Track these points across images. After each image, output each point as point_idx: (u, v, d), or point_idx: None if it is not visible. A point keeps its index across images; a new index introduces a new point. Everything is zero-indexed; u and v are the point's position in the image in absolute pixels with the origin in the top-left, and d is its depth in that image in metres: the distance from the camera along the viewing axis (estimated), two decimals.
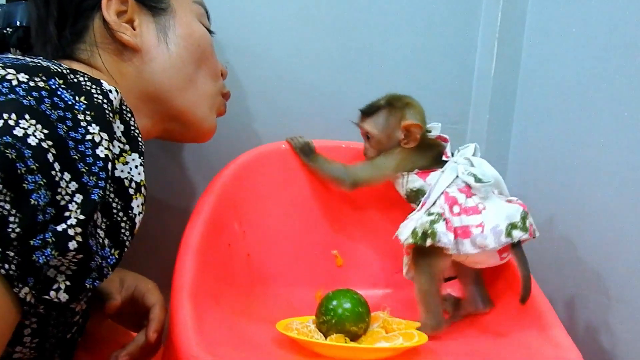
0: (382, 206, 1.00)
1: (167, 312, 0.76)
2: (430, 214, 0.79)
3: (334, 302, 0.74)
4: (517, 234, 0.76)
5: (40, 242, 0.50)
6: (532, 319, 0.79)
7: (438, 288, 0.81)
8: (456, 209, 0.79)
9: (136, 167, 0.66)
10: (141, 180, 0.66)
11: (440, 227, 0.77)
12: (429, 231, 0.77)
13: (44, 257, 0.51)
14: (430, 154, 0.88)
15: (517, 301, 0.79)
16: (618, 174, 0.88)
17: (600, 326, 0.90)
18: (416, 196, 0.85)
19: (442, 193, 0.81)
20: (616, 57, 0.90)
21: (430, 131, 0.91)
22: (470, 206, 0.79)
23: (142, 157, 0.67)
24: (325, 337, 0.73)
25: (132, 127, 0.67)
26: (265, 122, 1.09)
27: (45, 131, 0.53)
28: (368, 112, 0.91)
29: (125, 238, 0.64)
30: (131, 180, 0.64)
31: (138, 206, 0.65)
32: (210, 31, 0.86)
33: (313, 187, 0.99)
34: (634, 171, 0.85)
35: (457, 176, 0.82)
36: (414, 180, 0.86)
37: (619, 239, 0.88)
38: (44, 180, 0.51)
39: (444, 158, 0.87)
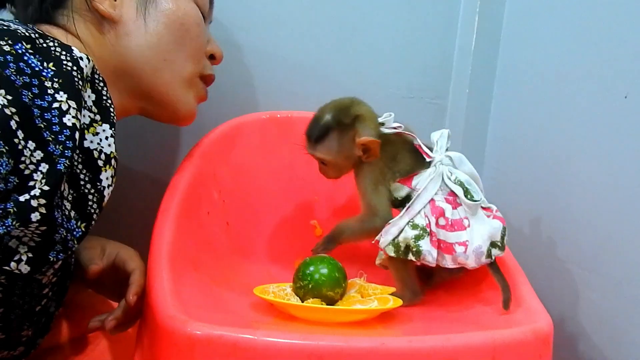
0: None
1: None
2: (414, 227, 0.76)
3: (311, 268, 0.75)
4: (496, 253, 0.78)
5: (1, 211, 0.50)
6: None
7: (413, 266, 0.81)
8: (442, 221, 0.77)
9: (107, 138, 0.64)
10: (111, 152, 0.64)
11: (424, 244, 0.76)
12: (414, 249, 0.76)
13: (4, 227, 0.50)
14: (408, 155, 0.83)
15: (490, 268, 0.81)
16: (594, 147, 0.90)
17: (574, 296, 0.93)
18: (402, 203, 0.80)
19: (429, 202, 0.78)
20: (597, 32, 0.91)
21: (383, 124, 0.85)
22: (456, 219, 0.77)
23: (113, 129, 0.65)
24: (302, 302, 0.74)
25: (105, 97, 0.65)
26: (246, 92, 1.09)
27: (9, 97, 0.52)
28: (317, 137, 0.82)
29: (92, 211, 0.62)
30: (100, 151, 0.63)
31: (107, 178, 0.64)
32: (204, 17, 0.83)
33: (293, 158, 0.99)
34: (609, 144, 0.87)
35: (443, 180, 0.79)
36: (398, 189, 0.82)
37: (593, 211, 0.90)
38: (6, 148, 0.50)
39: (427, 160, 0.82)
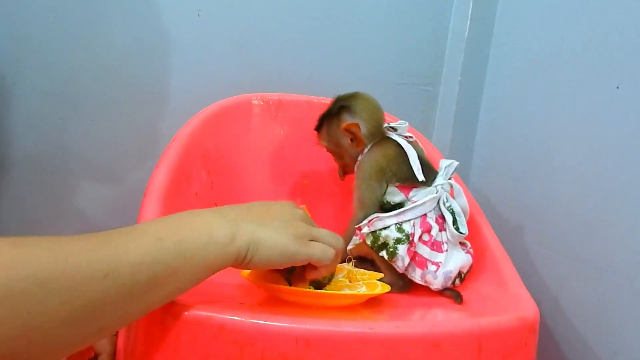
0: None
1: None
2: (400, 230, 0.79)
3: None
4: (457, 283, 0.81)
5: None
6: (491, 274, 0.81)
7: None
8: (426, 237, 0.79)
9: None
10: None
11: (402, 250, 0.78)
12: (390, 249, 0.78)
13: None
14: (408, 163, 0.83)
15: (479, 256, 0.81)
16: (583, 138, 0.90)
17: (559, 284, 0.93)
18: (393, 209, 0.81)
19: (421, 216, 0.80)
20: (588, 22, 0.91)
21: (396, 129, 0.86)
22: (438, 241, 0.80)
23: None
24: (290, 286, 0.73)
25: None
26: (236, 74, 1.08)
27: None
28: (316, 127, 0.90)
29: None
30: None
31: None
32: None
33: (282, 141, 0.98)
34: (599, 134, 0.87)
35: (438, 203, 0.81)
36: (394, 194, 0.83)
37: (579, 201, 0.90)
38: None
39: (437, 177, 0.83)
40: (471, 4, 1.14)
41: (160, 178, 0.78)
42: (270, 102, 1.00)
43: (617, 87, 0.83)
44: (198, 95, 1.02)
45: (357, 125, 0.84)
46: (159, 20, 1.04)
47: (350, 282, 0.77)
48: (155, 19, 1.04)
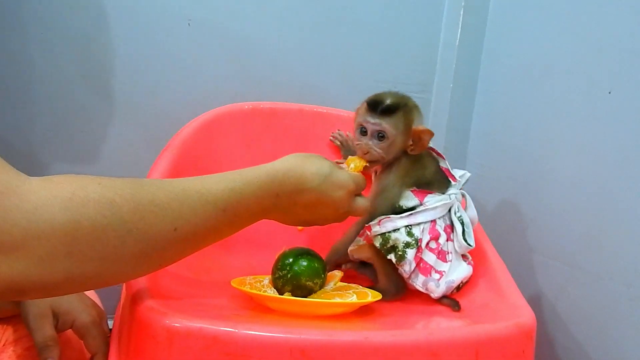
0: None
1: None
2: (410, 235, 0.78)
3: (290, 258, 0.74)
4: (454, 291, 0.80)
5: None
6: (488, 282, 0.80)
7: None
8: (433, 244, 0.79)
9: None
10: None
11: (410, 254, 0.77)
12: (399, 252, 0.77)
13: None
14: (429, 171, 0.84)
15: (476, 263, 0.81)
16: (576, 144, 0.90)
17: (556, 291, 0.93)
18: (404, 211, 0.81)
19: (431, 221, 0.80)
20: (579, 29, 0.91)
21: None
22: (444, 250, 0.80)
23: None
24: (281, 294, 0.72)
25: None
26: (229, 82, 1.07)
27: None
28: (387, 109, 0.80)
29: None
30: None
31: None
32: None
33: (275, 149, 0.97)
34: (592, 140, 0.87)
35: (449, 211, 0.82)
36: (408, 198, 0.82)
37: (575, 207, 0.90)
38: None
39: (451, 187, 0.84)
40: (462, 13, 1.15)
41: None
42: (263, 111, 1.00)
43: (609, 93, 0.83)
44: (189, 105, 1.02)
45: (432, 134, 0.81)
46: (149, 30, 1.03)
47: (341, 290, 0.76)
48: (146, 29, 1.03)
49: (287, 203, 0.65)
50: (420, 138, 0.81)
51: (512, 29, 1.10)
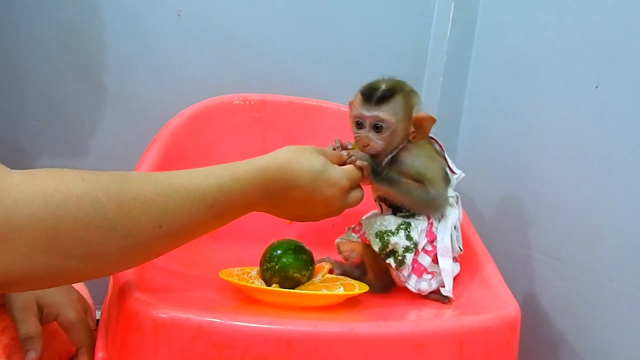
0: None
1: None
2: (409, 238, 0.76)
3: (278, 250, 0.74)
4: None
5: None
6: (474, 275, 0.81)
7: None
8: (429, 247, 0.77)
9: None
10: None
11: (409, 258, 0.76)
12: (399, 257, 0.76)
13: None
14: (440, 161, 0.82)
15: (462, 257, 0.81)
16: (565, 137, 0.91)
17: (541, 283, 0.94)
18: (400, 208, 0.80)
19: (428, 223, 0.78)
20: (568, 24, 0.92)
21: None
22: (436, 252, 0.78)
23: None
24: (269, 285, 0.73)
25: None
26: (217, 74, 1.07)
27: None
28: (382, 97, 0.75)
29: None
30: None
31: None
32: None
33: (264, 141, 0.98)
34: (579, 134, 0.88)
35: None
36: None
37: (560, 202, 0.91)
38: None
39: (450, 175, 0.82)
40: (453, 6, 1.15)
41: None
42: (252, 103, 1.00)
43: (596, 87, 0.84)
44: (179, 96, 1.01)
45: (434, 121, 0.77)
46: (139, 20, 1.03)
47: (328, 282, 0.77)
48: (136, 20, 1.03)
49: (277, 198, 0.65)
50: (422, 125, 0.77)
51: (503, 23, 1.10)
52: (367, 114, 0.75)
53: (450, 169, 0.82)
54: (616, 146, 0.81)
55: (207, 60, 1.06)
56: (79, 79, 1.03)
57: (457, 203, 0.82)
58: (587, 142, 0.86)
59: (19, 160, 1.01)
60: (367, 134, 0.76)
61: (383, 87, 0.76)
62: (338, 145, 0.78)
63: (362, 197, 0.72)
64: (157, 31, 1.04)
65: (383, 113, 0.75)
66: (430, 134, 0.80)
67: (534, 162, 0.97)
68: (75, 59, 1.02)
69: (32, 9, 0.98)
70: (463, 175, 0.83)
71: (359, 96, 0.77)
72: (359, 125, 0.77)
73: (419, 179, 0.77)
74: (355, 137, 0.78)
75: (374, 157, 0.76)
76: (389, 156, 0.79)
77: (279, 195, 0.64)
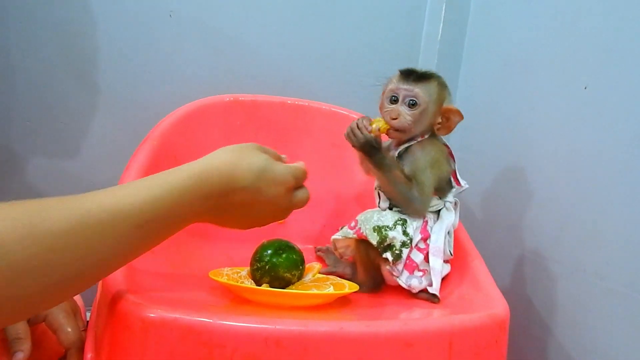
0: (329, 167, 1.00)
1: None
2: (405, 234, 0.78)
3: (269, 250, 0.75)
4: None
5: None
6: (464, 274, 0.81)
7: (378, 254, 0.82)
8: (422, 245, 0.79)
9: None
10: None
11: (405, 253, 0.77)
12: (396, 252, 0.77)
13: None
14: (448, 169, 0.84)
15: (454, 255, 0.82)
16: (554, 139, 0.91)
17: (530, 282, 0.94)
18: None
19: (424, 221, 0.80)
20: (558, 26, 0.92)
21: None
22: (428, 251, 0.79)
23: None
24: (259, 285, 0.73)
25: None
26: (209, 74, 1.07)
27: None
28: (421, 76, 0.80)
29: None
30: None
31: None
32: None
33: (255, 141, 0.96)
34: (568, 134, 0.88)
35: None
36: None
37: (551, 200, 0.91)
38: None
39: (450, 193, 0.83)
40: (444, 6, 1.15)
41: (130, 178, 0.77)
42: (244, 103, 1.00)
43: (585, 88, 0.85)
44: (170, 96, 1.01)
45: (462, 117, 0.80)
46: (130, 21, 1.03)
47: (318, 282, 0.77)
48: (127, 20, 1.03)
49: (221, 205, 0.58)
50: (449, 118, 0.81)
51: (494, 24, 1.10)
52: (404, 87, 0.79)
53: (456, 180, 0.84)
54: (605, 146, 0.81)
55: (199, 61, 1.06)
56: (71, 80, 1.03)
57: (454, 209, 0.83)
58: (577, 142, 0.87)
59: (9, 161, 1.00)
60: (399, 107, 0.79)
61: (424, 70, 0.81)
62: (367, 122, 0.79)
63: (309, 198, 0.66)
64: (149, 32, 1.04)
65: (418, 89, 0.78)
66: (445, 143, 0.83)
67: (525, 162, 0.98)
68: (67, 60, 1.02)
69: (24, 9, 0.98)
70: (467, 186, 0.84)
71: (398, 74, 0.82)
72: (393, 101, 0.80)
73: (410, 178, 0.79)
74: (385, 111, 0.80)
75: (397, 132, 0.79)
76: (404, 146, 0.81)
77: (222, 201, 0.58)
